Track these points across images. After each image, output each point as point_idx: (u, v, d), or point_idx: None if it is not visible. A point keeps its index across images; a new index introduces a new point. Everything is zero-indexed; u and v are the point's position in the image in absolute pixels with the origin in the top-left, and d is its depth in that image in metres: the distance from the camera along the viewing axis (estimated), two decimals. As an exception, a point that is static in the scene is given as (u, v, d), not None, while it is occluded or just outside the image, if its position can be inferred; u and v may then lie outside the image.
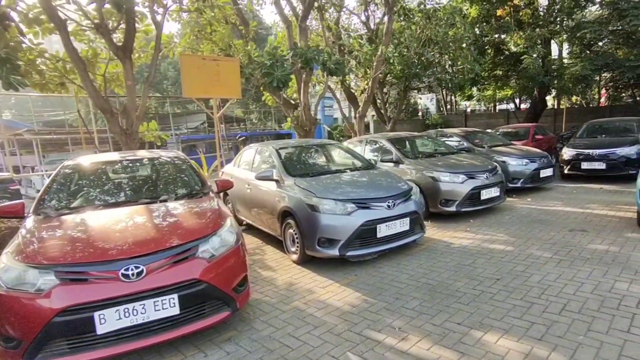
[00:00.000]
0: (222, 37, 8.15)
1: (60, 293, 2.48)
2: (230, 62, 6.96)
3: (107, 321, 2.50)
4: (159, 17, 6.16)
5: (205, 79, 6.44)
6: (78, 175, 4.05)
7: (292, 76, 8.91)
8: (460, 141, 9.03)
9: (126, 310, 2.55)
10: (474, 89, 18.84)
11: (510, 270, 4.11)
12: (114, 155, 4.63)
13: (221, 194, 6.12)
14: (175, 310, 2.70)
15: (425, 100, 24.83)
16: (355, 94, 13.73)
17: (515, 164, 7.92)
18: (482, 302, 3.45)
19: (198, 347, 2.99)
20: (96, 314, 2.47)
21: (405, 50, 12.00)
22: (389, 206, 4.51)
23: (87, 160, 4.33)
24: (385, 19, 11.21)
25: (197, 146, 19.35)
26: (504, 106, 26.88)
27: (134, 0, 5.62)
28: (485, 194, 6.29)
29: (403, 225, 4.59)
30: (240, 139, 19.06)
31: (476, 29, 14.46)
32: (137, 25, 5.98)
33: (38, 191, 15.14)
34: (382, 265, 4.48)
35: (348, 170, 5.49)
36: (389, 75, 13.63)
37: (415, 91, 22.09)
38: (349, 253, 4.34)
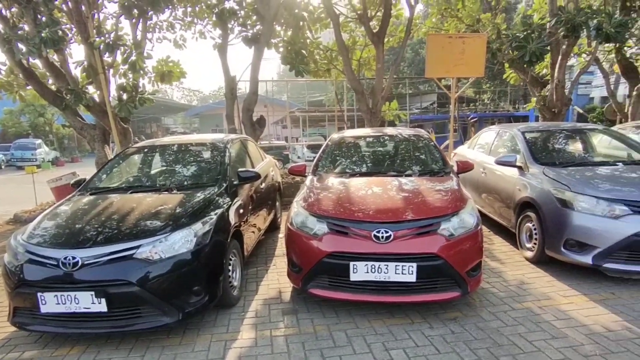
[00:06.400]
0: (469, 13, 7.78)
1: (329, 239, 3.14)
2: (477, 39, 6.61)
3: (358, 271, 3.00)
4: (412, 0, 6.45)
5: (449, 58, 6.38)
6: (341, 147, 4.84)
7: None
8: None
9: (373, 266, 2.97)
10: None
11: None
12: (367, 131, 5.32)
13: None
14: (412, 278, 2.95)
15: None
16: (636, 64, 10.53)
17: None
18: None
19: (424, 318, 3.18)
20: (351, 263, 3.00)
21: None
22: (688, 217, 3.39)
23: (348, 134, 5.10)
24: None
25: (425, 126, 19.65)
26: None
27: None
28: None
29: None
30: (473, 120, 18.11)
31: None
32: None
33: (298, 157, 19.06)
34: (660, 293, 3.49)
35: (620, 164, 4.41)
36: None
37: None
38: (608, 265, 3.58)
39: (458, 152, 6.68)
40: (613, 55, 10.59)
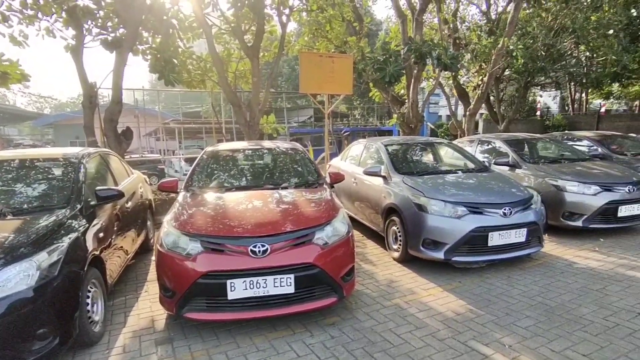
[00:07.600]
0: (337, 35, 8.46)
1: (203, 258, 2.97)
2: (345, 59, 7.18)
3: (236, 289, 2.90)
4: (284, 18, 6.68)
5: (321, 75, 6.76)
6: (216, 160, 4.68)
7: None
8: (592, 146, 7.91)
9: (251, 282, 2.91)
10: (615, 84, 16.11)
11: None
12: (244, 144, 5.23)
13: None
14: (291, 289, 2.98)
15: (547, 98, 22.10)
16: (467, 90, 12.94)
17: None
18: (617, 336, 3.02)
19: (305, 327, 3.24)
20: (228, 282, 2.89)
21: (531, 41, 10.84)
22: (504, 213, 4.22)
23: (223, 147, 4.96)
24: (511, 7, 10.28)
25: (303, 139, 20.39)
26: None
27: (264, 2, 6.22)
28: (624, 211, 5.43)
29: (519, 236, 4.26)
30: (346, 134, 19.57)
31: (632, 10, 12.10)
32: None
33: (176, 171, 17.67)
34: (490, 277, 4.24)
35: (460, 172, 5.27)
36: (507, 70, 12.49)
37: (538, 88, 19.79)
38: (455, 258, 4.20)
39: (332, 164, 7.10)
40: (452, 81, 12.82)
